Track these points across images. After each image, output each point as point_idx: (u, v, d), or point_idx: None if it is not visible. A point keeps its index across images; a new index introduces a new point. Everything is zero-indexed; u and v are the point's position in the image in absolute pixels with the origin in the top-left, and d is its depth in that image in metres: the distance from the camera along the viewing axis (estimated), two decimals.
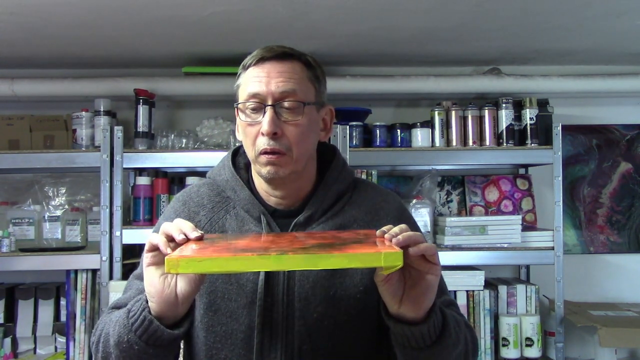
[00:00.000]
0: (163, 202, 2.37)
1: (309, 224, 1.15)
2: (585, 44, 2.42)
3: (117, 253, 2.29)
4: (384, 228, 0.95)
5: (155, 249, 0.97)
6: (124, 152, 2.32)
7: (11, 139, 2.47)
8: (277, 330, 1.09)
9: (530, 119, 2.47)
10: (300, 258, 0.82)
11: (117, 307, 1.13)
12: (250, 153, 1.13)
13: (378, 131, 2.48)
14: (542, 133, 2.47)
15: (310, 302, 1.09)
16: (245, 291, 1.10)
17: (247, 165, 1.22)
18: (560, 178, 2.39)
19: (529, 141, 2.46)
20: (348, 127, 2.39)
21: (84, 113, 2.46)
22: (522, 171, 2.78)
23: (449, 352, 1.00)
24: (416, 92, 2.62)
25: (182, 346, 1.18)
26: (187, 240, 0.95)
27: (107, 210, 2.30)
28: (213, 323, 1.11)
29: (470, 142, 2.46)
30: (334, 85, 2.35)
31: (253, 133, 1.11)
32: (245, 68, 1.14)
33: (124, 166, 2.32)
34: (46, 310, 2.45)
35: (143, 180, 2.39)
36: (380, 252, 0.82)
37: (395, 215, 1.20)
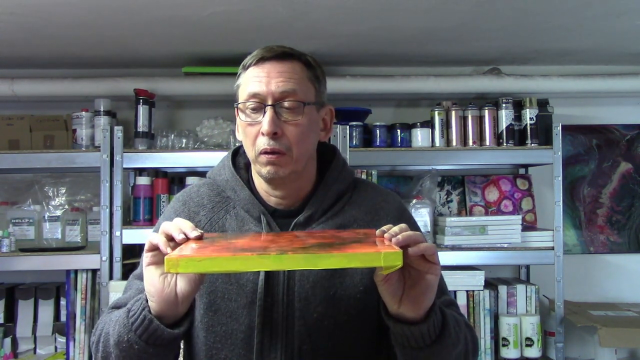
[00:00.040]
0: (163, 202, 2.37)
1: (309, 223, 1.15)
2: (585, 44, 2.42)
3: (117, 253, 2.29)
4: (384, 227, 0.95)
5: (155, 248, 0.97)
6: (124, 152, 2.32)
7: (11, 139, 2.47)
8: (277, 330, 1.09)
9: (530, 119, 2.47)
10: (299, 258, 0.82)
11: (117, 307, 1.13)
12: (250, 153, 1.13)
13: (378, 131, 2.48)
14: (542, 133, 2.47)
15: (310, 302, 1.09)
16: (245, 291, 1.10)
17: (247, 165, 1.22)
18: (560, 178, 2.39)
19: (529, 141, 2.46)
20: (348, 127, 2.39)
21: (84, 113, 2.46)
22: (522, 171, 2.78)
23: (448, 351, 1.00)
24: (416, 92, 2.62)
25: (182, 346, 1.18)
26: (187, 239, 0.95)
27: (107, 210, 2.30)
28: (213, 323, 1.11)
29: (470, 142, 2.46)
30: (334, 85, 2.35)
31: (253, 133, 1.11)
32: (245, 68, 1.14)
33: (124, 166, 2.32)
34: (46, 310, 2.45)
35: (143, 180, 2.39)
36: (380, 252, 0.82)
37: (395, 215, 1.20)
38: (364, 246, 0.88)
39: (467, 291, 2.39)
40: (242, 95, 1.13)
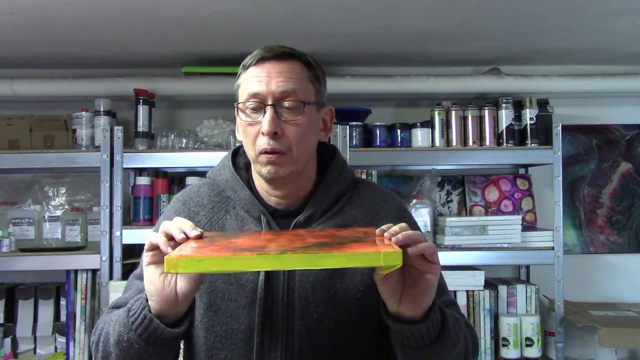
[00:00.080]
0: (163, 202, 2.37)
1: (309, 223, 1.15)
2: (585, 44, 2.42)
3: (117, 253, 2.29)
4: (384, 227, 0.95)
5: (155, 248, 0.97)
6: (124, 152, 2.32)
7: (11, 139, 2.47)
8: (277, 330, 1.09)
9: (530, 119, 2.47)
10: (299, 257, 0.82)
11: (117, 306, 1.13)
12: (250, 153, 1.13)
13: (378, 131, 2.48)
14: (542, 133, 2.47)
15: (310, 302, 1.09)
16: (245, 291, 1.10)
17: (247, 165, 1.22)
18: (560, 178, 2.39)
19: (529, 141, 2.46)
20: (348, 127, 2.39)
21: (84, 113, 2.46)
22: (522, 171, 2.78)
23: (448, 351, 1.00)
24: (416, 92, 2.62)
25: (182, 346, 1.18)
26: (187, 238, 0.96)
27: (107, 210, 2.30)
28: (213, 323, 1.11)
29: (470, 142, 2.46)
30: (334, 85, 2.35)
31: (253, 133, 1.11)
32: (246, 68, 1.14)
33: (124, 166, 2.32)
34: (46, 310, 2.45)
35: (143, 180, 2.39)
36: (380, 251, 0.82)
37: (395, 215, 1.20)
38: (364, 245, 0.88)
39: (467, 291, 2.39)
40: (242, 95, 1.13)
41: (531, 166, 2.73)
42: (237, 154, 1.26)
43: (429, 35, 2.26)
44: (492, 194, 2.70)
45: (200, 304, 1.12)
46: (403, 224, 0.95)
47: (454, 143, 2.46)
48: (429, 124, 2.47)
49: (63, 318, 2.43)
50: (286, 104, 1.10)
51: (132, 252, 2.39)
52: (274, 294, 1.09)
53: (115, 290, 2.18)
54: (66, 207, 2.56)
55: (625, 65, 2.71)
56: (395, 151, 2.45)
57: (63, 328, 2.41)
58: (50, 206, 2.55)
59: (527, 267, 2.67)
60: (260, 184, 1.18)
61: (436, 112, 2.47)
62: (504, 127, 2.46)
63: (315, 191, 1.18)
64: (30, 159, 2.35)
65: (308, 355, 1.08)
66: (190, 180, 2.39)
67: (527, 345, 2.37)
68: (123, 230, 2.29)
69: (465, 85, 2.61)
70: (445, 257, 2.33)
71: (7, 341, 2.40)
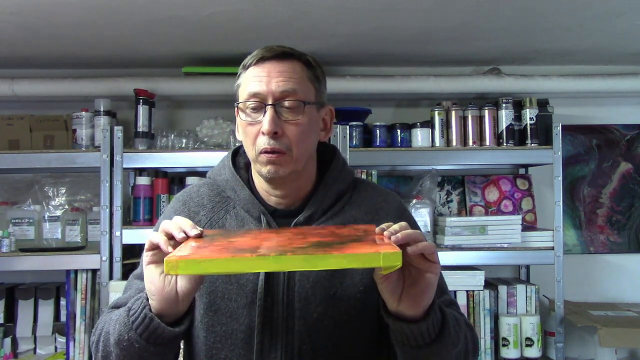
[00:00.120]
0: (163, 202, 2.37)
1: (309, 223, 1.15)
2: (585, 44, 2.42)
3: (117, 253, 2.29)
4: (383, 225, 0.95)
5: (155, 247, 0.97)
6: (124, 152, 2.32)
7: (11, 139, 2.47)
8: (277, 330, 1.09)
9: (530, 119, 2.47)
10: (299, 259, 0.82)
11: (117, 306, 1.13)
12: (250, 152, 1.13)
13: (378, 131, 2.48)
14: (542, 133, 2.47)
15: (311, 302, 1.09)
16: (245, 291, 1.10)
17: (247, 165, 1.22)
18: (560, 178, 2.39)
19: (529, 141, 2.46)
20: (348, 127, 2.39)
21: (84, 113, 2.46)
22: (522, 171, 2.78)
23: (448, 350, 1.00)
24: (416, 92, 2.62)
25: (182, 346, 1.18)
26: (187, 237, 0.96)
27: (107, 210, 2.30)
28: (213, 323, 1.11)
29: (470, 142, 2.46)
30: (334, 85, 2.35)
31: (253, 132, 1.11)
32: (246, 68, 1.14)
33: (124, 166, 2.32)
34: (46, 310, 2.45)
35: (143, 180, 2.39)
36: (379, 252, 0.82)
37: (395, 215, 1.20)
38: (363, 245, 0.88)
39: (467, 291, 2.39)
40: (242, 95, 1.13)
41: (531, 166, 2.73)
42: (237, 154, 1.26)
43: (429, 35, 2.26)
44: (492, 194, 2.70)
45: (200, 304, 1.12)
46: (403, 223, 0.95)
47: (454, 143, 2.46)
48: (429, 124, 2.47)
49: (63, 318, 2.43)
50: (286, 103, 1.10)
51: (132, 252, 2.39)
52: (274, 294, 1.09)
53: (115, 290, 2.18)
54: (66, 207, 2.56)
55: (625, 65, 2.71)
56: (395, 151, 2.45)
57: (63, 328, 2.41)
58: (50, 206, 2.56)
59: (527, 267, 2.67)
60: (260, 183, 1.18)
61: (436, 112, 2.47)
62: (504, 127, 2.46)
63: (315, 191, 1.18)
64: (30, 159, 2.35)
65: (308, 355, 1.08)
66: (190, 180, 2.39)
67: (527, 345, 2.37)
68: (123, 230, 2.29)
69: (465, 85, 2.61)
70: (445, 257, 2.33)
71: (7, 341, 2.40)
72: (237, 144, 1.28)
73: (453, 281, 2.33)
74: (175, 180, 2.48)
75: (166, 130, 2.49)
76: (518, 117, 2.49)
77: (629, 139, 2.81)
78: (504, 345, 2.37)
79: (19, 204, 2.55)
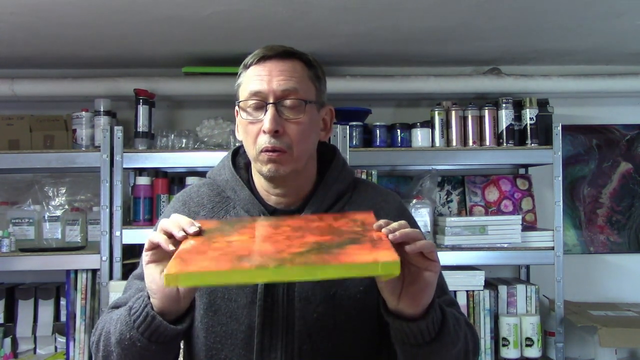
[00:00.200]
0: (163, 202, 2.37)
1: None
2: (585, 44, 2.42)
3: (117, 253, 2.29)
4: (382, 222, 0.95)
5: (155, 247, 0.97)
6: (124, 152, 2.32)
7: (11, 139, 2.47)
8: (277, 331, 1.09)
9: (530, 119, 2.47)
10: (299, 270, 0.82)
11: (117, 306, 1.13)
12: (251, 152, 1.13)
13: (378, 131, 2.48)
14: (542, 133, 2.47)
15: (311, 302, 1.09)
16: (245, 291, 1.10)
17: (247, 165, 1.22)
18: (560, 178, 2.39)
19: (529, 141, 2.46)
20: (348, 127, 2.39)
21: (84, 113, 2.46)
22: (522, 171, 2.78)
23: (448, 349, 1.00)
24: (416, 92, 2.62)
25: (182, 346, 1.18)
26: (187, 236, 0.95)
27: (107, 210, 2.30)
28: (213, 323, 1.11)
29: (470, 142, 2.46)
30: (334, 85, 2.35)
31: (254, 131, 1.11)
32: (247, 67, 1.14)
33: (124, 166, 2.32)
34: (46, 310, 2.45)
35: (143, 180, 2.39)
36: (378, 262, 0.82)
37: (395, 215, 1.19)
38: (362, 249, 0.87)
39: (467, 291, 2.39)
40: (243, 94, 1.13)
41: (531, 166, 2.73)
42: (237, 154, 1.26)
43: (429, 35, 2.26)
44: (492, 194, 2.70)
45: (200, 304, 1.12)
46: (402, 222, 0.95)
47: (454, 143, 2.46)
48: (429, 124, 2.47)
49: (63, 318, 2.43)
50: (287, 102, 1.10)
51: (132, 252, 2.39)
52: (274, 294, 1.09)
53: (115, 290, 2.18)
54: (66, 207, 2.56)
55: (625, 65, 2.71)
56: (395, 151, 2.45)
57: (63, 328, 2.41)
58: (50, 206, 2.56)
59: (527, 267, 2.67)
60: (260, 183, 1.18)
61: (436, 112, 2.47)
62: (504, 127, 2.46)
63: (315, 191, 1.18)
64: (30, 159, 2.35)
65: (308, 355, 1.08)
66: (190, 180, 2.39)
67: (527, 345, 2.37)
68: (123, 230, 2.29)
69: (465, 85, 2.61)
70: (445, 257, 2.33)
71: (7, 341, 2.40)
72: (237, 144, 1.28)
73: (453, 281, 2.33)
74: (175, 180, 2.48)
75: (166, 130, 2.49)
76: (518, 117, 2.49)
77: (629, 139, 2.81)
78: (504, 345, 2.37)
79: (19, 204, 2.55)
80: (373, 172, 2.45)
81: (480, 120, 2.48)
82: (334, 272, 0.82)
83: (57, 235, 2.46)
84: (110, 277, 2.27)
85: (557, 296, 2.36)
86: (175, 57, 2.49)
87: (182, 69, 2.52)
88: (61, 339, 2.42)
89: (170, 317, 0.99)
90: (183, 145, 2.43)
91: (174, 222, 0.97)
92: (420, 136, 2.46)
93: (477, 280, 2.40)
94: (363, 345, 1.13)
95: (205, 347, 1.12)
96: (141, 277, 1.09)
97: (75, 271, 2.36)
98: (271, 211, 1.17)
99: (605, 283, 2.76)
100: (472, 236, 2.37)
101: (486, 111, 2.47)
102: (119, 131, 2.33)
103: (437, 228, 2.47)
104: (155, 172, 2.44)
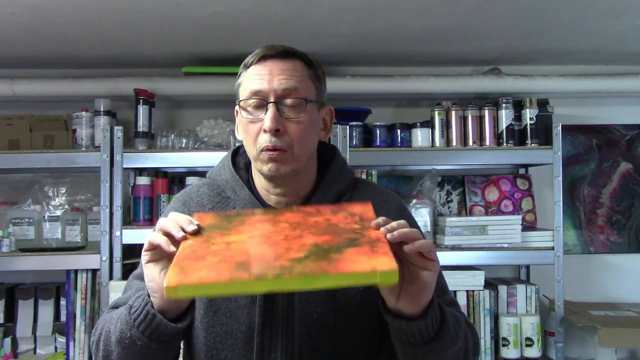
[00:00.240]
0: (163, 202, 2.37)
1: None
2: (585, 44, 2.42)
3: (117, 253, 2.29)
4: (380, 219, 0.95)
5: (155, 247, 0.97)
6: (124, 152, 2.32)
7: (11, 139, 2.47)
8: (277, 331, 1.09)
9: (530, 119, 2.47)
10: (297, 280, 0.83)
11: (117, 306, 1.13)
12: (251, 151, 1.13)
13: (378, 131, 2.48)
14: (542, 133, 2.47)
15: (311, 302, 1.09)
16: None
17: (247, 165, 1.22)
18: (560, 178, 2.39)
19: (529, 141, 2.46)
20: (348, 127, 2.39)
21: (84, 113, 2.46)
22: (522, 171, 2.78)
23: (447, 348, 1.00)
24: (416, 92, 2.62)
25: (182, 347, 1.18)
26: (186, 237, 0.95)
27: (107, 210, 2.30)
28: (213, 323, 1.11)
29: (470, 142, 2.46)
30: (334, 85, 2.35)
31: (255, 130, 1.11)
32: (247, 66, 1.14)
33: (124, 166, 2.32)
34: (46, 310, 2.45)
35: (143, 180, 2.39)
36: (376, 271, 0.83)
37: (395, 214, 1.19)
38: (360, 252, 0.87)
39: (467, 291, 2.39)
40: (243, 93, 1.13)
41: (531, 166, 2.73)
42: (237, 154, 1.26)
43: (429, 35, 2.26)
44: (492, 194, 2.70)
45: (200, 304, 1.12)
46: (402, 221, 0.95)
47: (454, 143, 2.46)
48: (429, 124, 2.47)
49: (63, 318, 2.43)
50: (288, 101, 1.10)
51: (132, 252, 2.39)
52: (274, 294, 1.09)
53: (115, 290, 2.18)
54: (66, 207, 2.56)
55: (625, 65, 2.71)
56: (395, 151, 2.45)
57: (63, 328, 2.41)
58: (50, 206, 2.56)
59: (527, 267, 2.67)
60: (260, 183, 1.18)
61: (436, 112, 2.47)
62: (504, 127, 2.46)
63: (315, 191, 1.18)
64: (30, 159, 2.35)
65: (308, 355, 1.08)
66: (190, 180, 2.39)
67: (527, 345, 2.37)
68: (123, 230, 2.29)
69: (465, 85, 2.61)
70: (445, 257, 2.33)
71: (7, 341, 2.40)
72: (237, 144, 1.28)
73: (453, 281, 2.33)
74: (175, 180, 2.48)
75: (166, 130, 2.49)
76: (518, 117, 2.49)
77: (629, 139, 2.81)
78: (504, 345, 2.37)
79: (19, 204, 2.55)
80: (373, 172, 2.45)
81: (480, 120, 2.48)
82: (332, 281, 0.83)
83: (57, 235, 2.46)
84: (110, 277, 2.27)
85: (557, 296, 2.36)
86: (175, 57, 2.49)
87: (182, 69, 2.52)
88: (61, 339, 2.42)
89: (171, 315, 1.00)
90: (183, 145, 2.43)
91: (173, 221, 0.97)
92: (420, 136, 2.46)
93: (477, 280, 2.40)
94: (363, 345, 1.13)
95: (205, 347, 1.12)
96: (141, 277, 1.09)
97: (75, 271, 2.36)
98: None
99: (605, 283, 2.76)
100: (472, 236, 2.37)
101: (486, 111, 2.47)
102: (119, 131, 2.33)
103: (437, 228, 2.47)
104: (155, 172, 2.44)
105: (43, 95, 2.54)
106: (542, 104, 2.52)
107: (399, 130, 2.48)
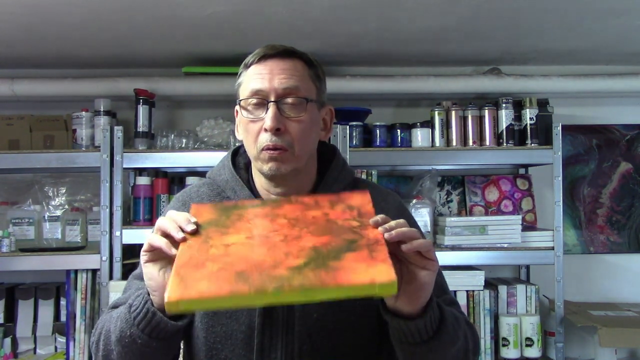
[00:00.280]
0: (163, 202, 2.37)
1: None
2: (585, 44, 2.42)
3: (117, 253, 2.29)
4: (379, 217, 0.95)
5: (155, 249, 0.97)
6: (124, 152, 2.32)
7: (11, 139, 2.47)
8: (277, 331, 1.09)
9: (530, 119, 2.47)
10: (296, 293, 0.84)
11: (116, 306, 1.13)
12: (251, 150, 1.13)
13: (378, 131, 2.48)
14: (542, 133, 2.47)
15: (311, 302, 1.09)
16: None
17: (247, 165, 1.22)
18: (560, 178, 2.39)
19: (529, 141, 2.46)
20: (348, 127, 2.39)
21: (84, 113, 2.46)
22: (522, 171, 2.78)
23: (446, 347, 1.00)
24: (416, 92, 2.62)
25: (182, 347, 1.18)
26: (185, 239, 0.95)
27: (107, 210, 2.30)
28: (213, 323, 1.11)
29: (470, 142, 2.46)
30: (334, 85, 2.35)
31: (255, 130, 1.11)
32: (247, 66, 1.14)
33: (124, 166, 2.32)
34: (46, 310, 2.45)
35: (143, 180, 2.39)
36: (375, 283, 0.84)
37: (395, 214, 1.18)
38: (359, 258, 0.87)
39: (467, 291, 2.40)
40: (244, 93, 1.13)
41: (531, 166, 2.73)
42: (237, 154, 1.26)
43: (429, 35, 2.26)
44: (492, 194, 2.70)
45: None
46: (400, 220, 0.95)
47: (454, 143, 2.46)
48: (429, 124, 2.47)
49: (63, 318, 2.43)
50: (289, 100, 1.10)
51: (132, 252, 2.39)
52: None
53: (115, 290, 2.18)
54: (66, 207, 2.56)
55: (625, 65, 2.71)
56: (395, 151, 2.45)
57: (63, 328, 2.41)
58: (50, 206, 2.56)
59: (527, 267, 2.67)
60: (260, 183, 1.18)
61: (436, 112, 2.47)
62: (504, 127, 2.46)
63: (315, 191, 1.18)
64: (30, 159, 2.35)
65: (308, 355, 1.08)
66: (190, 180, 2.39)
67: (527, 345, 2.37)
68: (123, 230, 2.29)
69: (465, 85, 2.61)
70: (445, 257, 2.33)
71: (7, 341, 2.40)
72: (237, 144, 1.28)
73: (453, 281, 2.32)
74: (175, 180, 2.48)
75: (166, 130, 2.49)
76: (518, 117, 2.49)
77: (629, 139, 2.81)
78: (504, 345, 2.37)
79: (19, 204, 2.55)
80: (373, 172, 2.45)
81: (480, 120, 2.48)
82: (331, 294, 0.84)
83: (57, 235, 2.46)
84: (110, 277, 2.28)
85: (557, 296, 2.36)
86: (175, 57, 2.49)
87: (182, 69, 2.52)
88: (61, 339, 2.42)
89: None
90: (183, 145, 2.43)
91: (171, 221, 0.97)
92: (420, 136, 2.46)
93: (477, 280, 2.40)
94: (363, 345, 1.13)
95: (205, 347, 1.12)
96: (141, 277, 1.09)
97: (75, 271, 2.36)
98: None
99: (605, 283, 2.76)
100: (472, 236, 2.37)
101: (486, 111, 2.47)
102: (119, 131, 2.33)
103: (437, 228, 2.47)
104: (155, 172, 2.45)
105: (43, 95, 2.54)
106: (542, 104, 2.52)
107: (399, 130, 2.48)
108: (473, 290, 2.40)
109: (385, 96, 2.65)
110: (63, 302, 2.44)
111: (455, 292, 2.36)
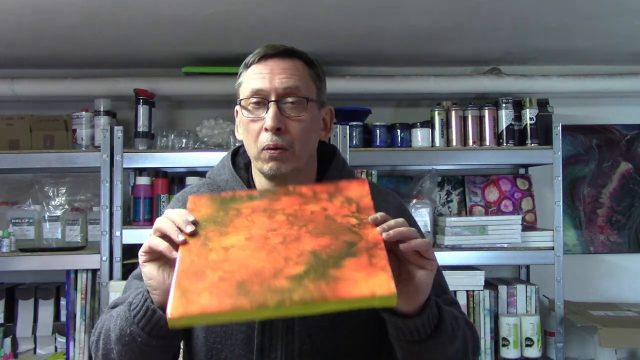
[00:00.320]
0: (163, 202, 2.37)
1: None
2: (585, 44, 2.42)
3: (117, 253, 2.29)
4: (378, 215, 0.95)
5: (154, 251, 0.97)
6: (124, 152, 2.33)
7: (11, 139, 2.47)
8: (277, 331, 1.09)
9: (530, 119, 2.47)
10: (298, 307, 0.84)
11: (116, 306, 1.13)
12: (252, 150, 1.13)
13: (378, 131, 2.48)
14: (542, 133, 2.47)
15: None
16: None
17: (247, 165, 1.22)
18: (560, 178, 2.39)
19: (529, 141, 2.46)
20: (348, 127, 2.39)
21: (84, 113, 2.46)
22: (522, 171, 2.78)
23: (445, 346, 1.00)
24: (416, 92, 2.62)
25: (182, 347, 1.18)
26: (186, 241, 0.94)
27: (107, 210, 2.30)
28: None
29: (470, 142, 2.46)
30: (334, 85, 2.35)
31: (255, 129, 1.11)
32: (248, 66, 1.14)
33: (124, 166, 2.32)
34: (46, 310, 2.45)
35: (143, 180, 2.40)
36: (375, 296, 0.84)
37: (395, 214, 1.17)
38: (359, 266, 0.87)
39: (467, 291, 2.40)
40: (244, 92, 1.13)
41: (531, 166, 2.73)
42: (237, 154, 1.25)
43: (429, 35, 2.26)
44: (492, 194, 2.70)
45: None
46: (400, 220, 0.95)
47: (454, 143, 2.46)
48: (429, 124, 2.47)
49: (63, 318, 2.43)
50: (289, 100, 1.10)
51: (132, 252, 2.39)
52: None
53: (115, 290, 2.18)
54: (66, 207, 2.56)
55: (625, 65, 2.71)
56: (395, 151, 2.45)
57: (63, 328, 2.41)
58: (50, 206, 2.56)
59: (527, 267, 2.67)
60: (260, 183, 1.18)
61: (436, 112, 2.47)
62: (504, 127, 2.46)
63: None
64: (30, 159, 2.35)
65: (308, 355, 1.08)
66: (190, 180, 2.39)
67: (527, 345, 2.37)
68: (123, 230, 2.29)
69: (465, 85, 2.61)
70: (445, 257, 2.33)
71: (7, 341, 2.40)
72: (237, 144, 1.27)
73: (453, 281, 2.32)
74: (175, 180, 2.48)
75: (166, 130, 2.49)
76: (518, 117, 2.49)
77: (629, 139, 2.81)
78: (504, 345, 2.37)
79: (19, 204, 2.55)
80: (373, 172, 2.45)
81: (480, 120, 2.48)
82: (332, 307, 0.85)
83: (57, 235, 2.46)
84: (110, 277, 2.28)
85: (557, 296, 2.36)
86: (175, 57, 2.49)
87: (182, 69, 2.52)
88: (61, 339, 2.42)
89: None
90: (183, 145, 2.43)
91: (170, 222, 0.96)
92: (420, 136, 2.46)
93: (477, 280, 2.40)
94: (363, 345, 1.13)
95: (205, 347, 1.12)
96: (140, 277, 1.09)
97: (75, 271, 2.36)
98: None
99: (605, 283, 2.76)
100: (472, 236, 2.37)
101: (486, 111, 2.47)
102: (119, 131, 2.33)
103: (437, 228, 2.47)
104: (155, 172, 2.45)
105: (43, 95, 2.54)
106: (542, 104, 2.52)
107: (399, 130, 2.48)
108: (473, 290, 2.40)
109: (385, 96, 2.65)
110: (63, 302, 2.44)
111: (455, 292, 2.36)
